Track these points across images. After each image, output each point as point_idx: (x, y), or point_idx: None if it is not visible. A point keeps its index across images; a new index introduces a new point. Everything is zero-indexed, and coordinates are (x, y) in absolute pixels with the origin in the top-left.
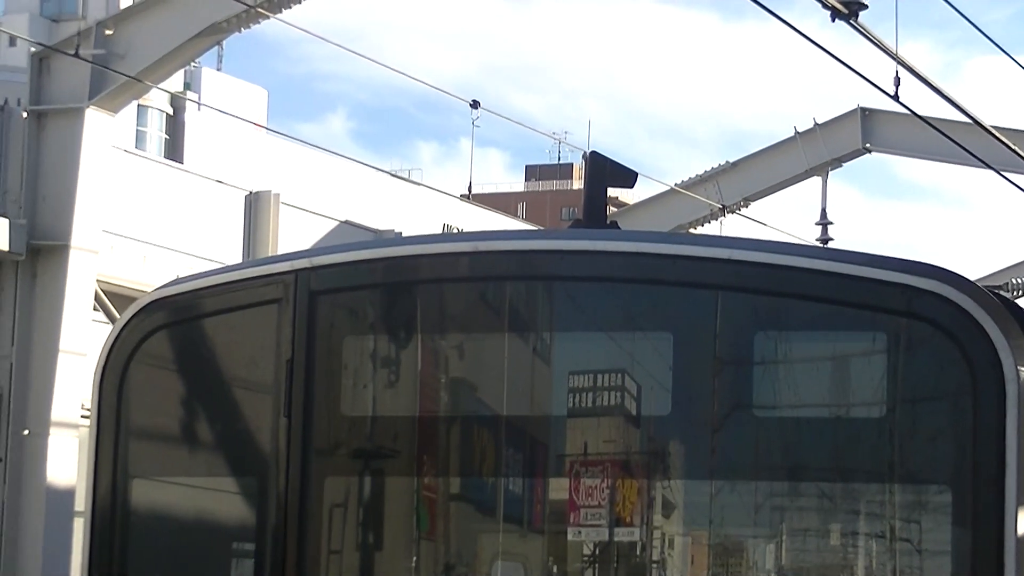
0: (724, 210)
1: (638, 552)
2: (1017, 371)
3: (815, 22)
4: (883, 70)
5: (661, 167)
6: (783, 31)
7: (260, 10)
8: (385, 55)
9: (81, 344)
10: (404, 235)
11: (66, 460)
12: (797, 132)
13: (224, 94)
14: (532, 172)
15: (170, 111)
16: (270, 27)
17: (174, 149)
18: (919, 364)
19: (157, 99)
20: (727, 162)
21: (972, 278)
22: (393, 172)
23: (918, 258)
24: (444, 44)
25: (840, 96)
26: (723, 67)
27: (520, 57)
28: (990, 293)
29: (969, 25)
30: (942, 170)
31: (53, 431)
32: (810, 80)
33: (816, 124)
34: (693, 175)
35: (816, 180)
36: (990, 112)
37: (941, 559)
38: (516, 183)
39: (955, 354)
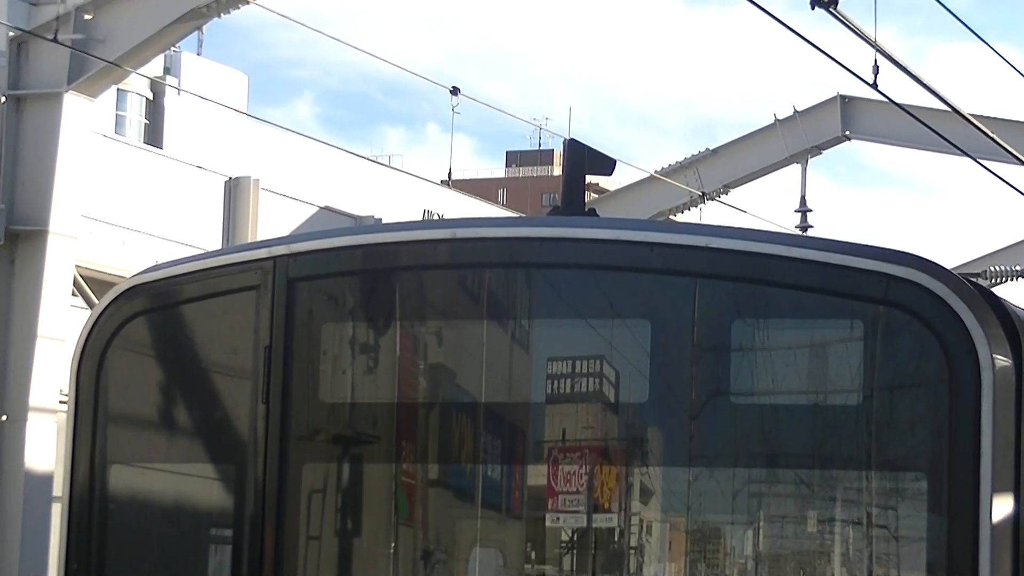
0: (704, 197)
1: (616, 538)
2: (993, 359)
3: (782, 6)
4: (859, 57)
5: (631, 154)
6: (746, 18)
7: None
8: (351, 41)
9: (60, 329)
10: (384, 221)
11: (44, 446)
12: (777, 119)
13: (204, 79)
14: (513, 158)
15: (150, 96)
16: (236, 12)
17: (154, 134)
18: (896, 352)
19: (137, 84)
20: (707, 149)
21: (948, 265)
22: (373, 158)
23: (887, 245)
24: (409, 31)
25: (812, 83)
26: (688, 53)
27: (487, 44)
28: (967, 281)
29: (932, 12)
30: (910, 158)
31: (31, 416)
32: (779, 67)
33: (796, 111)
34: (670, 163)
35: (793, 167)
36: (955, 98)
37: (917, 546)
38: (485, 169)
39: (931, 342)
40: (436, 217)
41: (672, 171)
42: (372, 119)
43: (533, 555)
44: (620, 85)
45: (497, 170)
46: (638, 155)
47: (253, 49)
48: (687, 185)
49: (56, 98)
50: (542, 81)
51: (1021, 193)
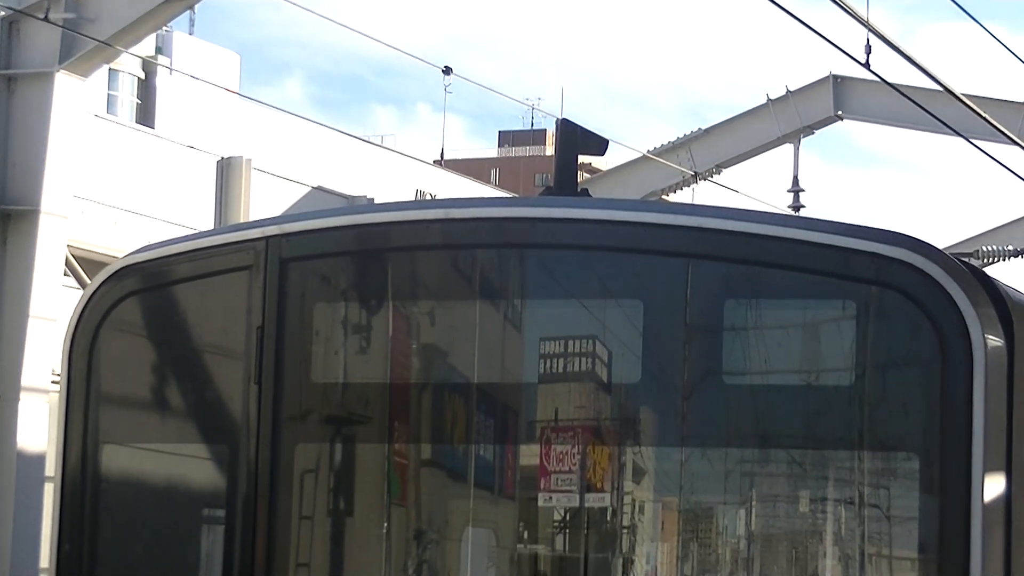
0: (696, 177)
1: (609, 518)
2: (985, 339)
3: None
4: (851, 36)
5: (623, 134)
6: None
7: None
8: (341, 20)
9: (52, 310)
10: (376, 201)
11: (37, 426)
12: (769, 99)
13: (196, 59)
14: (506, 138)
15: (142, 76)
16: None
17: (146, 114)
18: (888, 332)
19: (129, 64)
20: (699, 129)
21: (940, 246)
22: (366, 138)
23: (879, 225)
24: (399, 12)
25: (805, 63)
26: (681, 34)
27: (478, 25)
28: (959, 261)
29: None
30: (899, 138)
31: (23, 396)
32: (771, 47)
33: (788, 91)
34: (662, 143)
35: (786, 147)
36: (946, 78)
37: (909, 525)
38: (478, 149)
39: (923, 322)
40: (429, 197)
41: (664, 151)
42: (362, 99)
43: (526, 535)
44: (612, 66)
45: (490, 150)
46: (630, 135)
47: (242, 28)
48: (679, 165)
49: (47, 78)
50: (533, 62)
51: (1012, 172)
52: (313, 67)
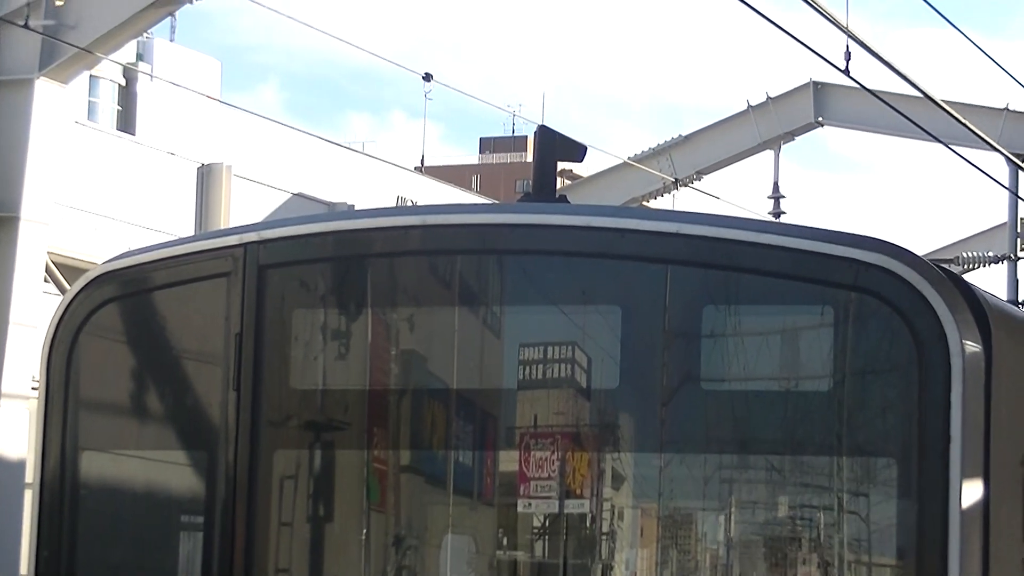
0: (677, 183)
1: (588, 524)
2: (963, 345)
3: None
4: (831, 42)
5: (601, 140)
6: (718, 4)
7: None
8: (314, 25)
9: (31, 316)
10: (357, 208)
11: (16, 432)
12: (750, 105)
13: (177, 66)
14: (487, 145)
15: (123, 82)
16: None
17: (127, 120)
18: (866, 338)
19: (109, 70)
20: (680, 135)
21: (920, 252)
22: (346, 144)
23: (851, 229)
24: (374, 16)
25: (784, 69)
26: (658, 40)
27: (454, 31)
28: (937, 268)
29: None
30: (874, 143)
31: (3, 403)
32: (750, 53)
33: (768, 97)
34: (642, 149)
35: (766, 153)
36: (925, 84)
37: (887, 530)
38: (458, 156)
39: (901, 328)
40: (409, 204)
41: (645, 157)
42: (336, 105)
43: (505, 541)
44: (591, 72)
45: (470, 156)
46: (610, 142)
47: (220, 34)
48: (660, 171)
49: (27, 84)
50: (511, 69)
51: (992, 179)
52: (287, 73)
